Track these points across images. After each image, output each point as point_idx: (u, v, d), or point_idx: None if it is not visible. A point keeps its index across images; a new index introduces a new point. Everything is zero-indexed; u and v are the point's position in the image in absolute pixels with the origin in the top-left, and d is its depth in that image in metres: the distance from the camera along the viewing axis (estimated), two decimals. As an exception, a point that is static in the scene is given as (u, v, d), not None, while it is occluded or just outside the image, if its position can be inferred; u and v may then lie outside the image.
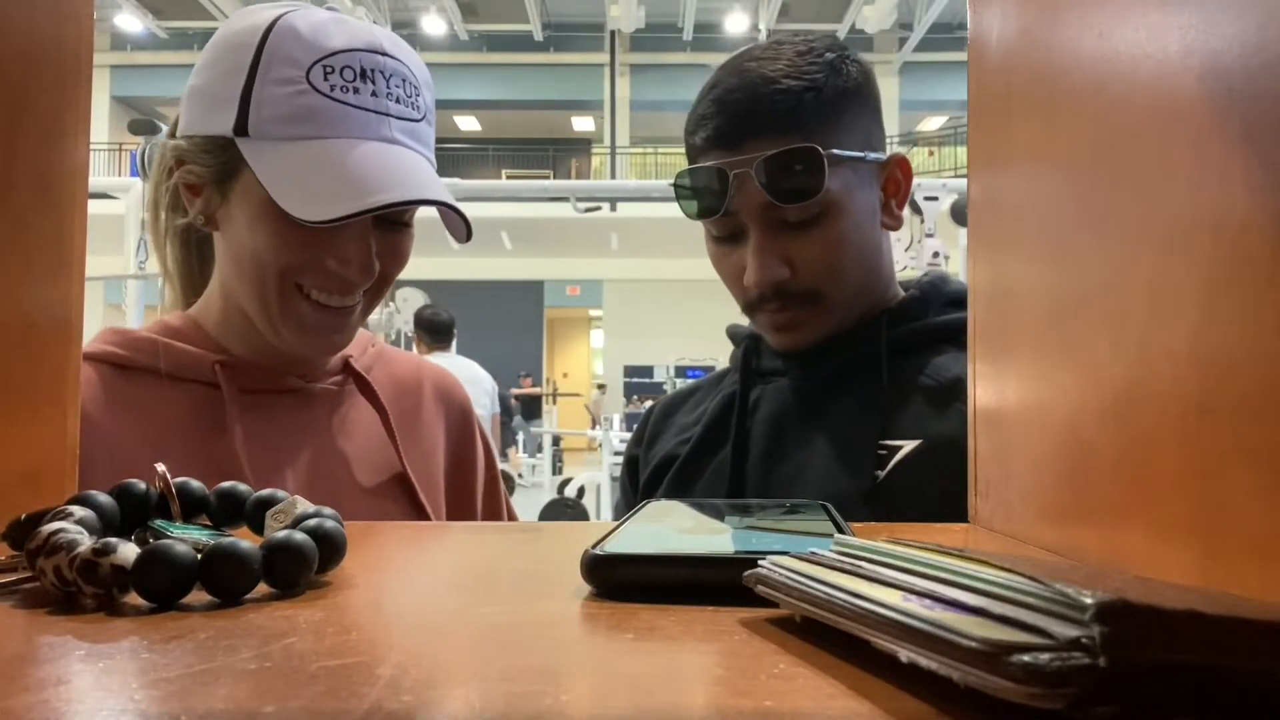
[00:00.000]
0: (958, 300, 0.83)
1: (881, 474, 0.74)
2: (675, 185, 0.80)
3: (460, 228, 0.71)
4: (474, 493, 0.86)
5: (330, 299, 0.70)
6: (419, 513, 0.77)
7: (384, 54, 0.69)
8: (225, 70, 0.68)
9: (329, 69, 0.66)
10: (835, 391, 0.80)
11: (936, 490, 0.70)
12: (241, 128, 0.66)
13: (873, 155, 0.79)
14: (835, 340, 0.81)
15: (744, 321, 0.89)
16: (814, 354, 0.83)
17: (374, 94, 0.68)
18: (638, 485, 0.91)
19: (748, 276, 0.78)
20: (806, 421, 0.80)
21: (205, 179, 0.70)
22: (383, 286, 0.73)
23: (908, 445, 0.74)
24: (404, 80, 0.70)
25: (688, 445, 0.85)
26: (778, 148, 0.73)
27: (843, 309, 0.80)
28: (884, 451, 0.75)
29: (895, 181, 0.82)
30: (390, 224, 0.71)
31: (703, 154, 0.78)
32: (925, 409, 0.75)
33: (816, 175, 0.74)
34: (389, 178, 0.65)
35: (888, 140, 0.84)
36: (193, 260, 0.79)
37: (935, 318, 0.81)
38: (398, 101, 0.69)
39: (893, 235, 0.87)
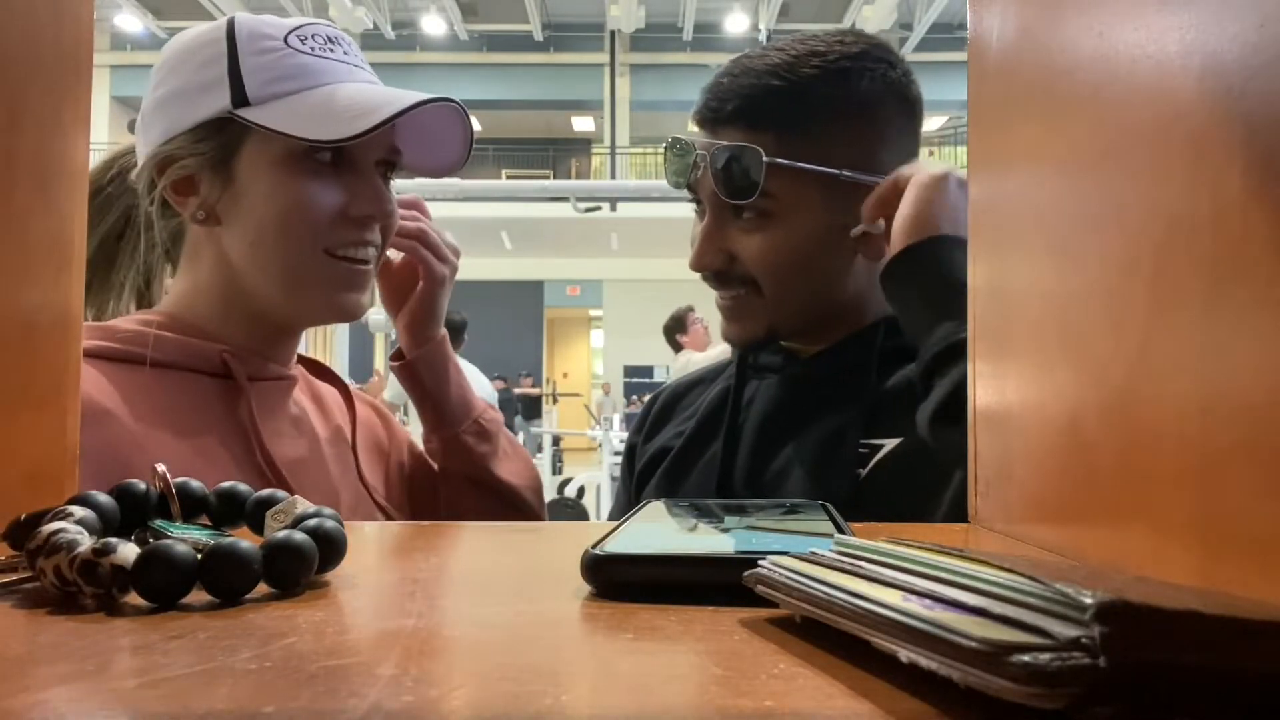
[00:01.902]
0: None
1: (863, 472, 0.74)
2: (666, 148, 0.83)
3: (455, 149, 0.76)
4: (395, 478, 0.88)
5: (356, 251, 0.73)
6: (365, 485, 0.80)
7: (335, 30, 0.75)
8: (198, 65, 0.70)
9: (303, 36, 0.72)
10: (825, 392, 0.81)
11: (915, 486, 0.71)
12: (240, 99, 0.69)
13: (851, 174, 0.76)
14: (831, 344, 0.82)
15: None
16: (809, 356, 0.84)
17: (345, 53, 0.74)
18: (634, 474, 0.91)
19: (690, 258, 0.82)
20: (795, 420, 0.81)
21: (201, 168, 0.71)
22: (386, 242, 0.76)
23: (889, 444, 0.75)
24: (359, 52, 0.76)
25: (681, 438, 0.86)
26: (740, 140, 0.76)
27: (783, 310, 0.80)
28: (866, 450, 0.75)
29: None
30: (383, 175, 0.75)
31: (696, 126, 0.82)
32: (907, 407, 0.75)
33: (754, 177, 0.75)
34: (393, 98, 0.69)
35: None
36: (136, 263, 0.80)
37: None
38: (360, 66, 0.75)
39: None
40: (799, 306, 0.81)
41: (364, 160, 0.72)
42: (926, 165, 0.74)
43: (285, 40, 0.71)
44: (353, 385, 0.90)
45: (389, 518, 0.80)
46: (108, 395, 0.66)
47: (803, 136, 0.76)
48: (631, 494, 0.91)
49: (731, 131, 0.77)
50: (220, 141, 0.70)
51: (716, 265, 0.80)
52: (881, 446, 0.75)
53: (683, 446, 0.85)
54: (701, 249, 0.80)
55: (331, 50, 0.72)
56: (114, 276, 0.79)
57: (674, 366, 5.32)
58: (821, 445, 0.77)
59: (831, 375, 0.81)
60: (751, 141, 0.75)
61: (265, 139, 0.69)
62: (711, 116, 0.79)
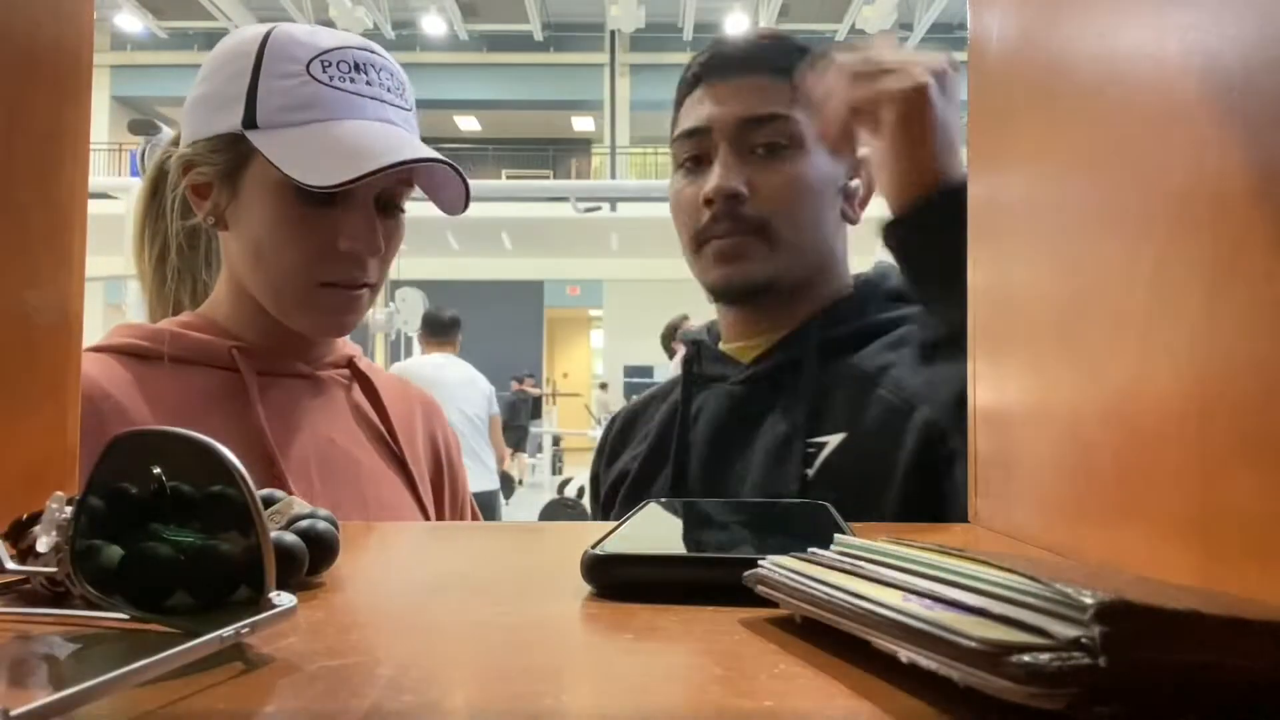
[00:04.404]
0: (899, 295, 0.83)
1: (810, 472, 0.74)
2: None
3: (458, 195, 0.75)
4: (448, 512, 0.88)
5: (347, 280, 0.73)
6: (417, 499, 0.80)
7: (374, 52, 0.75)
8: (227, 76, 0.72)
9: (326, 63, 0.72)
10: (769, 395, 0.81)
11: (861, 480, 0.71)
12: (250, 121, 0.70)
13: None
14: (774, 344, 0.82)
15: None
16: (750, 360, 0.83)
17: (369, 83, 0.73)
18: (600, 501, 0.91)
19: (707, 185, 0.81)
20: (742, 427, 0.81)
21: (213, 177, 0.73)
22: (383, 270, 0.77)
23: (833, 440, 0.75)
24: (392, 75, 0.75)
25: (636, 462, 0.86)
26: (757, 84, 0.80)
27: (788, 253, 0.80)
28: (812, 449, 0.75)
29: (863, 179, 0.84)
30: (386, 208, 0.75)
31: (693, 87, 0.85)
32: (849, 401, 0.75)
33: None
34: (390, 147, 0.70)
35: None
36: (199, 261, 0.82)
37: (874, 316, 0.81)
38: (389, 91, 0.74)
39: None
40: (801, 252, 0.81)
41: (360, 196, 0.72)
42: (896, 60, 0.69)
43: (307, 66, 0.71)
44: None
45: (426, 516, 0.80)
46: (122, 388, 0.69)
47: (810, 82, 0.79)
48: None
49: (747, 75, 0.81)
50: (231, 156, 0.72)
51: (739, 189, 0.80)
52: (825, 444, 0.75)
53: (637, 470, 0.85)
54: (725, 174, 0.80)
55: (353, 80, 0.72)
56: (199, 256, 0.82)
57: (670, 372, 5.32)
58: (768, 451, 0.77)
59: (772, 377, 0.81)
60: (769, 81, 0.80)
61: (267, 163, 0.70)
62: (726, 67, 0.82)
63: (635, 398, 1.00)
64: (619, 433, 0.94)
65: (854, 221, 0.84)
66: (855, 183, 0.84)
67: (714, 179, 0.80)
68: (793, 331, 0.82)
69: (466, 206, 0.76)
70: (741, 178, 0.80)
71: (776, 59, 0.81)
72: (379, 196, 0.73)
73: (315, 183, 0.67)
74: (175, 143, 0.80)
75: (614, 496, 0.87)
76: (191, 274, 0.82)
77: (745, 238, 0.80)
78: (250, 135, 0.70)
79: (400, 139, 0.71)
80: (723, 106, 0.81)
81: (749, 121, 0.80)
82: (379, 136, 0.71)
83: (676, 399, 0.86)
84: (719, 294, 0.84)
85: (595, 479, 0.94)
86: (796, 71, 0.79)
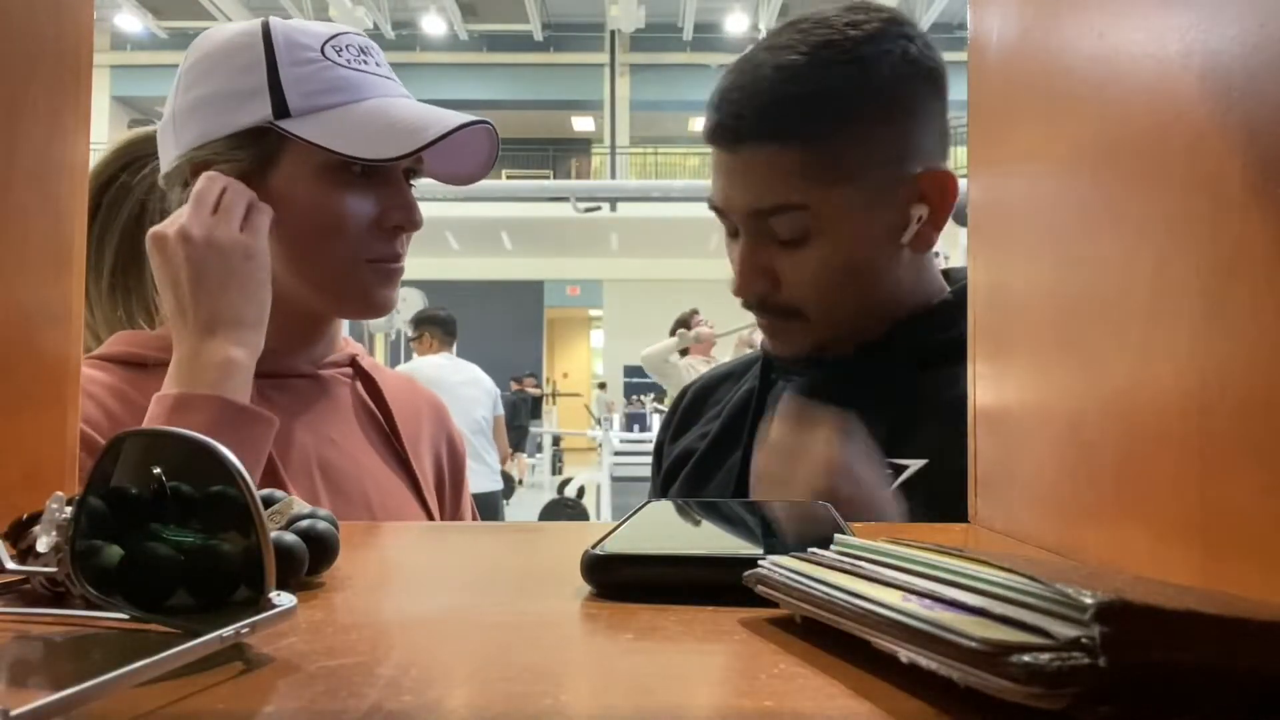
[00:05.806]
0: None
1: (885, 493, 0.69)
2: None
3: (479, 163, 0.78)
4: (448, 514, 0.88)
5: (388, 253, 0.75)
6: (421, 501, 0.79)
7: (365, 39, 0.76)
8: (235, 71, 0.71)
9: (337, 47, 0.72)
10: (852, 400, 0.74)
11: (938, 513, 0.66)
12: (282, 110, 0.70)
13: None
14: (859, 345, 0.77)
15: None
16: (834, 358, 0.78)
17: (377, 64, 0.75)
18: (661, 473, 0.87)
19: (731, 284, 0.76)
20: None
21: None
22: (408, 245, 0.78)
23: (914, 465, 0.70)
24: (387, 64, 0.77)
25: (704, 442, 0.82)
26: (764, 155, 0.71)
27: (830, 329, 0.76)
28: (890, 471, 0.70)
29: (927, 199, 0.72)
30: (407, 182, 0.77)
31: (710, 144, 0.76)
32: (938, 426, 0.68)
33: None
34: (429, 119, 0.71)
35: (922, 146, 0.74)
36: (146, 277, 0.79)
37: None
38: (390, 78, 0.76)
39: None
40: (846, 320, 0.75)
41: (394, 171, 0.74)
42: None
43: (322, 51, 0.71)
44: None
45: (430, 517, 0.80)
46: (120, 397, 0.68)
47: (832, 141, 0.71)
48: (658, 495, 0.86)
49: (754, 146, 0.72)
50: (258, 150, 0.71)
51: (762, 290, 0.75)
52: (905, 468, 0.70)
53: (704, 452, 0.81)
54: (743, 275, 0.74)
55: (365, 62, 0.73)
56: (148, 273, 0.79)
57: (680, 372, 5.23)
58: None
59: (853, 378, 0.75)
60: (777, 156, 0.71)
61: (303, 150, 0.70)
62: (730, 135, 0.73)
63: (709, 372, 0.94)
64: (688, 407, 0.90)
65: (923, 249, 0.75)
66: (916, 216, 0.73)
67: (734, 280, 0.75)
68: (881, 339, 0.75)
69: (490, 166, 0.78)
70: (761, 273, 0.74)
71: (780, 121, 0.70)
72: (404, 172, 0.75)
73: (371, 156, 0.68)
74: (129, 144, 0.79)
75: (676, 472, 0.83)
76: (143, 292, 0.80)
77: (780, 321, 0.76)
78: (286, 125, 0.69)
79: (431, 110, 0.73)
80: (733, 188, 0.73)
81: (758, 213, 0.72)
82: (414, 109, 0.72)
83: (752, 386, 0.82)
84: (772, 356, 0.81)
85: (659, 449, 0.90)
86: (809, 131, 0.70)
